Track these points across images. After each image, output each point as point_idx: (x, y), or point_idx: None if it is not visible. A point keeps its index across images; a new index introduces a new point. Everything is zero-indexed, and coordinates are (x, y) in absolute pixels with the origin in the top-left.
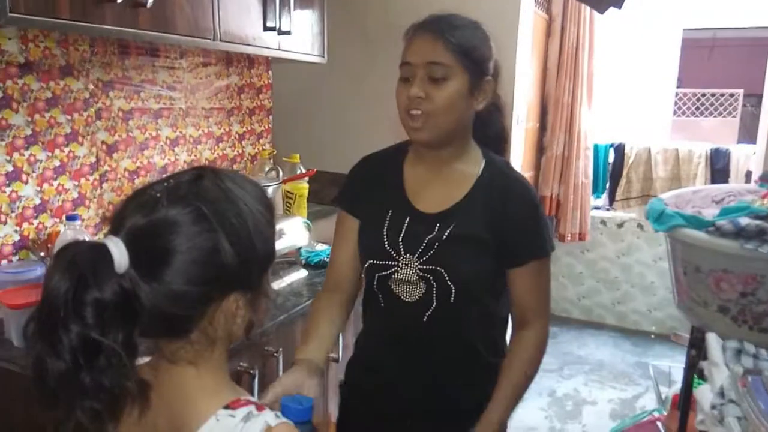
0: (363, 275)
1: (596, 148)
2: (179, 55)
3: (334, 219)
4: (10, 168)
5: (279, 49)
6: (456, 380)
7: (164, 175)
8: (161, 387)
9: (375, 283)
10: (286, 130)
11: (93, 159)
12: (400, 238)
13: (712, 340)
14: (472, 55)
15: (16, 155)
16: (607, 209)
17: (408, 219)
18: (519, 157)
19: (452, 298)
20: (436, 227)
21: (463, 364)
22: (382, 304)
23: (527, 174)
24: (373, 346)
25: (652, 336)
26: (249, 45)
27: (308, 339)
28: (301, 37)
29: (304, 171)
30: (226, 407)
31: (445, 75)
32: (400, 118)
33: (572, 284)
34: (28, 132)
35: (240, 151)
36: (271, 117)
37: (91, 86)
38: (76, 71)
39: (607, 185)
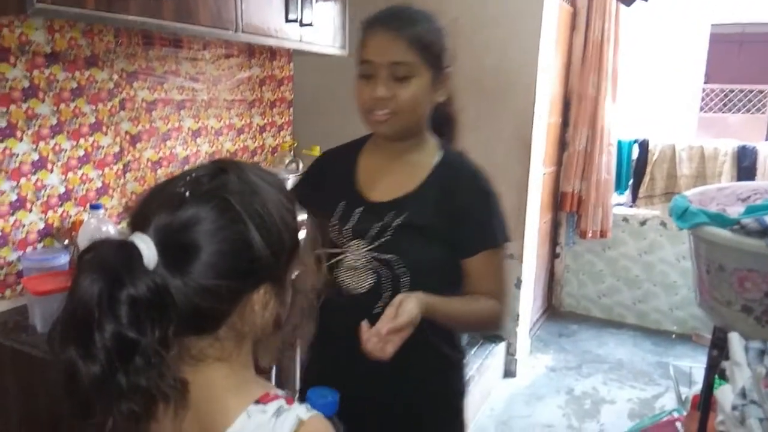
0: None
1: (620, 144)
2: (202, 47)
3: None
4: (36, 157)
5: (300, 41)
6: (412, 374)
7: (185, 168)
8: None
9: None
10: (307, 122)
11: (117, 149)
12: (349, 226)
13: (735, 340)
14: (433, 49)
15: (41, 144)
16: (630, 206)
17: (359, 209)
18: (540, 152)
19: (406, 287)
20: (387, 215)
21: (418, 358)
22: (334, 299)
23: (549, 170)
24: (326, 347)
25: (673, 336)
26: (271, 37)
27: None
28: (322, 30)
29: None
30: (257, 402)
31: (409, 73)
32: (361, 114)
33: (592, 282)
34: (54, 121)
35: (261, 143)
36: (292, 109)
37: (115, 77)
38: (100, 62)
39: (630, 182)
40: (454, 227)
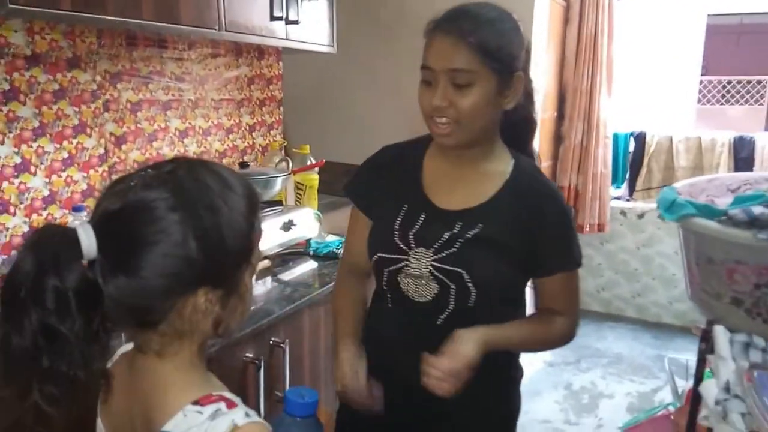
0: (372, 274)
1: (616, 137)
2: (187, 47)
3: (344, 210)
4: (18, 160)
5: (287, 39)
6: (468, 391)
7: (145, 166)
8: (137, 376)
9: (384, 280)
10: (297, 121)
11: (101, 150)
12: (413, 232)
13: (720, 333)
14: (499, 54)
15: (24, 147)
16: (627, 200)
17: (424, 215)
18: (535, 147)
19: (472, 302)
20: (458, 225)
21: (480, 377)
22: (390, 305)
23: (545, 164)
24: (377, 355)
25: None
26: (256, 35)
27: (346, 318)
28: (309, 27)
29: (314, 162)
30: (195, 403)
31: (470, 81)
32: (425, 121)
33: (591, 276)
34: (36, 124)
35: (250, 143)
36: (281, 108)
37: (98, 78)
38: (83, 63)
39: (627, 175)
40: (533, 246)
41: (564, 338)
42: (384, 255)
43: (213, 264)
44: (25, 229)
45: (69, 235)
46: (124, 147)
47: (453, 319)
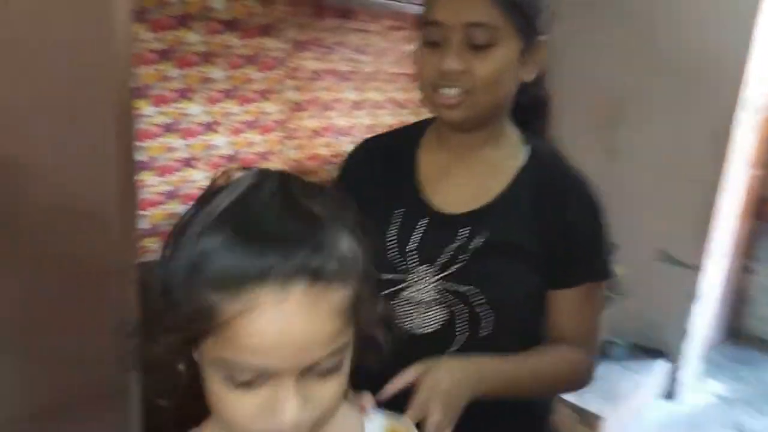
0: None
1: None
2: (371, 19)
3: None
4: (206, 119)
5: None
6: None
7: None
8: None
9: None
10: None
11: (280, 116)
12: (414, 245)
13: None
14: (525, 9)
15: (212, 107)
16: None
17: (424, 221)
18: (744, 150)
19: (489, 328)
20: (464, 233)
21: (504, 424)
22: (390, 340)
23: (758, 173)
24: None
25: None
26: None
27: None
28: None
29: None
30: None
31: (491, 40)
32: (423, 93)
33: None
34: (225, 86)
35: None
36: None
37: (285, 46)
38: (273, 30)
39: None
40: (554, 250)
41: (579, 376)
42: (378, 275)
43: None
44: (206, 183)
45: None
46: (301, 114)
47: (467, 351)
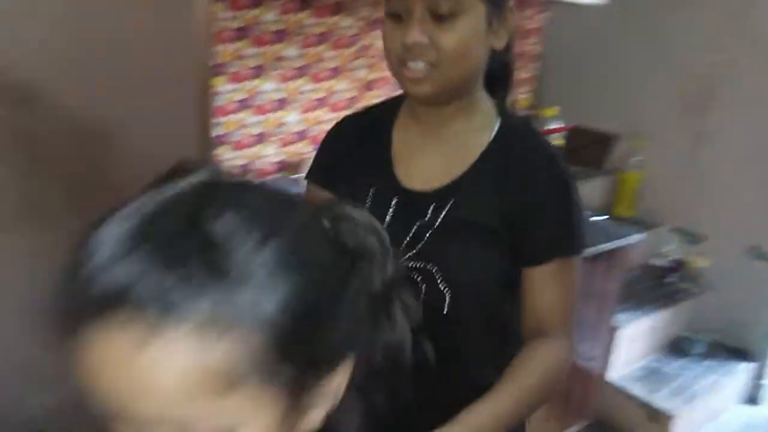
0: None
1: None
2: None
3: (592, 183)
4: (279, 96)
5: None
6: None
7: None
8: None
9: None
10: (552, 80)
11: (351, 94)
12: (384, 225)
13: None
14: None
15: (285, 85)
16: None
17: (395, 200)
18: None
19: (445, 308)
20: (430, 210)
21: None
22: None
23: None
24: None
25: None
26: None
27: None
28: None
29: (561, 126)
30: None
31: (455, 9)
32: (390, 69)
33: None
34: (299, 64)
35: None
36: (537, 64)
37: (359, 24)
38: (346, 9)
39: None
40: (521, 225)
41: (560, 367)
42: None
43: None
44: (277, 159)
45: None
46: (370, 93)
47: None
